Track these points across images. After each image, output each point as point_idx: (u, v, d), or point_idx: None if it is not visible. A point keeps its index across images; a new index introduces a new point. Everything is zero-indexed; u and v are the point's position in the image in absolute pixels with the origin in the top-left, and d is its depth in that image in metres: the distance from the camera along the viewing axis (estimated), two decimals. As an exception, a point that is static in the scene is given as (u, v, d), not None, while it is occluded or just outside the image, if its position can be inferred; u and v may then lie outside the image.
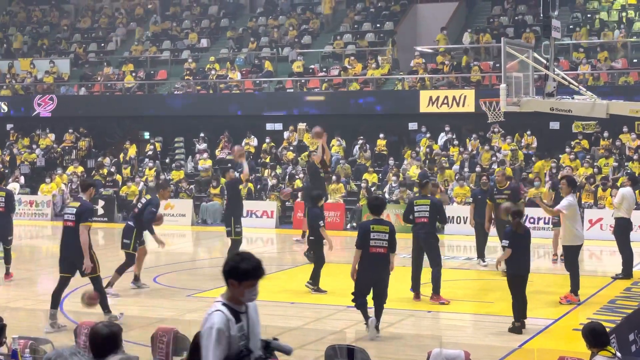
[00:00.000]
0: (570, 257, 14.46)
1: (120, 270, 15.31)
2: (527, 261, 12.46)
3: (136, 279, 15.91)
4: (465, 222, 24.01)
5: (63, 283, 12.86)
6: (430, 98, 29.39)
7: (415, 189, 23.27)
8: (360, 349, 8.51)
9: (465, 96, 28.80)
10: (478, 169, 26.52)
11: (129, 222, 15.74)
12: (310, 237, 15.81)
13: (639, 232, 22.51)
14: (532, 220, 23.18)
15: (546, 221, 22.99)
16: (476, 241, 18.66)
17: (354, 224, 25.41)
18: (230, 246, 17.14)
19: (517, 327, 12.30)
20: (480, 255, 18.47)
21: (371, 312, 12.02)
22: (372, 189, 27.05)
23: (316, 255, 15.64)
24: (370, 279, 11.92)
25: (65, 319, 12.72)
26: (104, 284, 13.73)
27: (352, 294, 12.11)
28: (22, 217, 28.64)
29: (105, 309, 12.85)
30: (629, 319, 11.02)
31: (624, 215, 16.64)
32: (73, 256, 12.70)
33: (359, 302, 12.09)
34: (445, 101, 29.05)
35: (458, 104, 28.79)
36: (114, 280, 15.17)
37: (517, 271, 12.40)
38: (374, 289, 11.97)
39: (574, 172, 24.42)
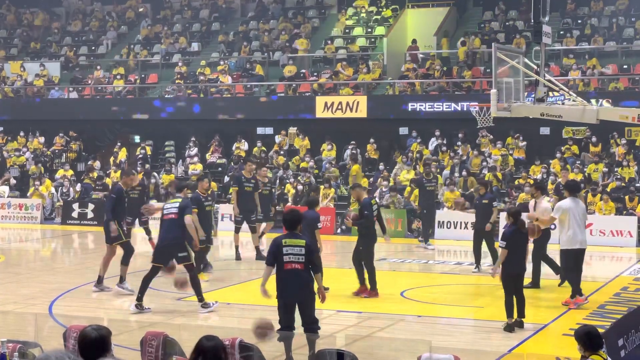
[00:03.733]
0: (564, 262, 14.47)
1: (126, 262, 15.58)
2: (524, 260, 12.84)
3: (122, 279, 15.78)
4: (455, 227, 24.11)
5: (154, 272, 14.03)
6: (326, 104, 30.10)
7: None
8: (350, 353, 8.49)
9: (358, 102, 29.68)
10: (464, 173, 26.56)
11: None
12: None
13: (628, 238, 22.65)
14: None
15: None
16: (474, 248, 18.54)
17: (344, 227, 25.39)
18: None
19: (511, 324, 12.55)
20: (477, 262, 18.38)
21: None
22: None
23: None
24: (287, 302, 10.70)
25: (55, 323, 12.66)
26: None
27: (279, 322, 10.75)
28: (11, 220, 28.57)
29: (199, 295, 13.99)
30: (618, 324, 11.02)
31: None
32: (171, 246, 13.97)
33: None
34: (340, 107, 29.84)
35: (352, 110, 29.65)
36: (124, 273, 15.57)
37: (515, 270, 12.70)
38: (300, 314, 10.72)
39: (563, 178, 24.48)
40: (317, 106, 30.27)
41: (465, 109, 27.77)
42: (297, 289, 10.64)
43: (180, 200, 14.44)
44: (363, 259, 15.32)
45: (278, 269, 10.63)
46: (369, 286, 15.33)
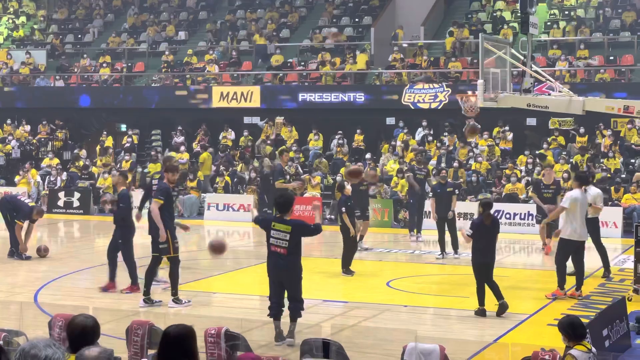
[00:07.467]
0: (562, 250, 14.40)
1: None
2: (492, 250, 13.17)
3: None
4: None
5: None
6: (222, 93, 30.93)
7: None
8: (336, 343, 8.51)
9: (252, 92, 30.67)
10: (455, 164, 26.57)
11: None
12: (339, 224, 16.79)
13: (613, 229, 22.73)
14: (507, 216, 23.30)
15: (522, 217, 23.13)
16: (439, 236, 18.94)
17: (332, 217, 25.36)
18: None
19: (482, 310, 12.94)
20: (442, 249, 19.00)
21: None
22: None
23: (344, 241, 16.47)
24: (273, 280, 11.20)
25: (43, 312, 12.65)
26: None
27: (269, 297, 11.25)
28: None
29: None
30: (603, 314, 11.08)
31: (595, 215, 16.49)
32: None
33: (272, 312, 11.14)
34: (235, 97, 30.74)
35: (246, 100, 30.61)
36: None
37: (483, 259, 13.05)
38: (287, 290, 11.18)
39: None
40: (213, 96, 30.97)
41: (352, 99, 29.46)
42: (279, 271, 11.06)
43: None
44: (122, 253, 14.62)
45: (267, 247, 11.11)
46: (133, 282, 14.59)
